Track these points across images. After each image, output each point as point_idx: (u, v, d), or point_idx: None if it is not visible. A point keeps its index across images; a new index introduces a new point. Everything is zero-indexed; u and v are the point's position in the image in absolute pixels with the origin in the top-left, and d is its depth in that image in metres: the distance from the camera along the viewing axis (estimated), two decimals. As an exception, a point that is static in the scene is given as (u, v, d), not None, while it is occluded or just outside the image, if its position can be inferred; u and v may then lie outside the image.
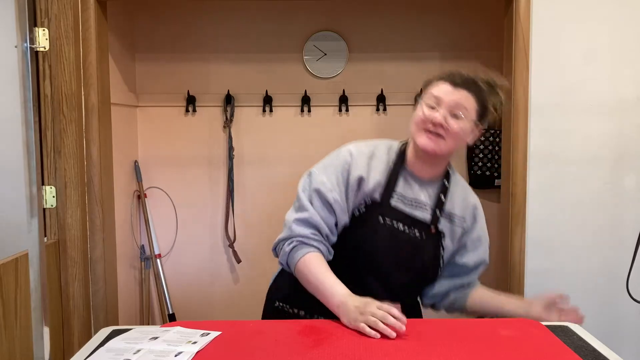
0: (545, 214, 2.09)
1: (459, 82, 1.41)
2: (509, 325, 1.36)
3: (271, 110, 2.81)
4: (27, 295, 1.72)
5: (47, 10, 1.92)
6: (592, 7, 2.03)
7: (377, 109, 2.81)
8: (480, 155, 2.74)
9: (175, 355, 1.14)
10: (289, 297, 1.54)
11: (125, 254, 2.62)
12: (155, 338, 1.23)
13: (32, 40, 1.87)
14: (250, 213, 2.88)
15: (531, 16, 2.03)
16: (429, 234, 1.48)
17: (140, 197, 2.78)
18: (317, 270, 1.39)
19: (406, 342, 1.22)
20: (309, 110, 2.81)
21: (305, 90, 2.79)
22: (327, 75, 2.81)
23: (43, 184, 1.95)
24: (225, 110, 2.81)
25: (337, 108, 2.81)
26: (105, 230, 2.09)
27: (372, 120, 2.80)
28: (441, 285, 1.58)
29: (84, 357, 1.18)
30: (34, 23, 1.89)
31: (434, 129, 1.39)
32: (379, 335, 1.22)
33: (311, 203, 1.45)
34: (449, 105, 1.39)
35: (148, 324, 2.81)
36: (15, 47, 1.75)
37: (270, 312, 1.58)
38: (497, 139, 2.70)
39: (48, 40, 1.91)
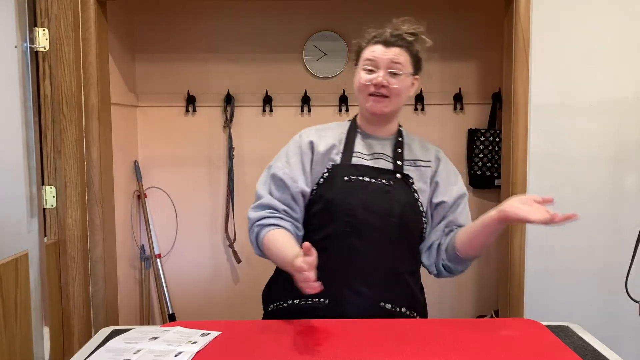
0: (545, 214, 2.09)
1: (389, 40, 1.47)
2: (509, 325, 1.36)
3: (271, 110, 2.81)
4: (27, 295, 1.72)
5: (47, 10, 1.92)
6: (592, 8, 2.03)
7: (377, 109, 2.80)
8: (480, 155, 2.74)
9: (175, 355, 1.14)
10: (281, 295, 1.52)
11: (125, 254, 2.61)
12: (155, 338, 1.23)
13: (32, 40, 1.87)
14: (250, 213, 2.88)
15: (531, 16, 2.03)
16: (396, 180, 1.49)
17: (140, 197, 2.78)
18: (275, 244, 1.41)
19: (406, 342, 1.22)
20: (309, 110, 2.81)
21: (305, 90, 2.79)
22: (327, 75, 2.81)
23: (43, 184, 1.95)
24: (225, 110, 2.81)
25: (337, 108, 2.81)
26: (105, 230, 2.09)
27: (372, 120, 2.80)
28: (431, 237, 1.54)
29: (84, 357, 1.18)
30: (34, 23, 1.89)
31: (378, 91, 1.45)
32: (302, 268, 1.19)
33: (268, 191, 1.50)
34: (386, 65, 1.45)
35: (148, 324, 2.81)
36: (15, 47, 1.75)
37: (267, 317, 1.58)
38: (497, 139, 2.70)
39: (48, 40, 1.91)
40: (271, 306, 1.55)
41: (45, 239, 1.94)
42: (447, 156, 1.60)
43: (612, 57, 2.04)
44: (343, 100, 2.80)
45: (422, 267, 1.58)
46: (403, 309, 1.48)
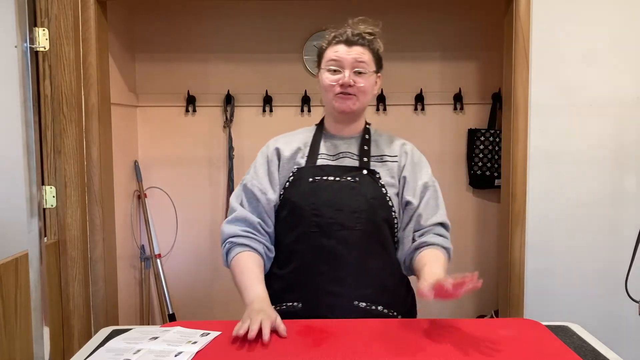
0: (545, 214, 2.09)
1: (351, 39, 1.47)
2: (509, 325, 1.36)
3: (271, 110, 2.81)
4: (27, 295, 1.72)
5: (47, 10, 1.92)
6: (592, 7, 2.03)
7: (377, 109, 2.81)
8: (480, 155, 2.74)
9: (175, 355, 1.14)
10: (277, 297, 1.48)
11: (125, 254, 2.61)
12: (155, 338, 1.23)
13: (32, 40, 1.87)
14: (250, 213, 2.88)
15: (531, 16, 2.03)
16: (362, 176, 1.47)
17: (140, 197, 2.78)
18: (239, 269, 1.42)
19: (406, 342, 1.22)
20: (309, 110, 2.81)
21: (305, 90, 2.79)
22: (327, 75, 2.81)
23: (43, 184, 1.95)
24: (225, 110, 2.81)
25: (337, 108, 2.81)
26: (105, 230, 2.09)
27: (371, 120, 2.78)
28: (404, 245, 1.50)
29: (84, 357, 1.18)
30: (34, 23, 1.89)
31: (345, 90, 1.45)
32: (240, 333, 1.20)
33: (240, 203, 1.51)
34: (350, 65, 1.45)
35: (148, 324, 2.81)
36: (15, 47, 1.75)
37: None
38: (497, 139, 2.70)
39: (48, 40, 1.91)
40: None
41: (45, 239, 1.94)
42: (417, 148, 1.59)
43: (612, 57, 2.04)
44: (343, 100, 2.79)
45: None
46: (380, 307, 1.45)
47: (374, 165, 1.51)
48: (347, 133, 1.55)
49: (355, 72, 1.45)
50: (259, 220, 1.49)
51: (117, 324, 2.20)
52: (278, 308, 1.44)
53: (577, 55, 2.05)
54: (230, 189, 2.81)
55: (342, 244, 1.43)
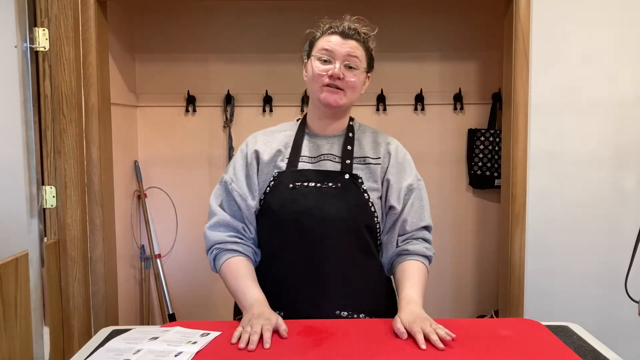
0: (546, 214, 2.09)
1: (347, 32, 1.42)
2: (509, 325, 1.36)
3: (271, 110, 2.81)
4: (27, 295, 1.72)
5: (47, 10, 1.92)
6: (592, 7, 2.03)
7: (377, 109, 2.81)
8: (480, 155, 2.74)
9: (175, 356, 1.14)
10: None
11: (125, 254, 2.61)
12: (155, 338, 1.23)
13: (32, 40, 1.87)
14: (250, 213, 2.88)
15: (531, 16, 2.03)
16: (344, 181, 1.42)
17: (140, 197, 2.78)
18: (232, 275, 1.40)
19: (406, 342, 1.22)
20: (309, 110, 2.81)
21: (305, 90, 2.79)
22: (327, 75, 2.81)
23: (43, 184, 1.95)
24: (225, 110, 2.81)
25: (337, 108, 2.81)
26: (105, 230, 2.09)
27: (371, 120, 2.80)
28: (388, 250, 1.49)
29: (84, 357, 1.18)
30: (34, 23, 1.89)
31: (333, 82, 1.40)
32: (241, 346, 1.18)
33: (220, 205, 1.49)
34: (342, 57, 1.40)
35: (148, 324, 2.81)
36: (15, 47, 1.75)
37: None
38: (497, 139, 2.70)
39: (48, 40, 1.91)
40: (237, 317, 1.52)
41: (45, 239, 1.94)
42: (402, 146, 1.54)
43: (612, 57, 2.04)
44: (343, 100, 2.79)
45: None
46: (362, 315, 1.44)
47: (356, 168, 1.45)
48: (330, 132, 1.49)
49: (346, 66, 1.40)
50: (242, 224, 1.46)
51: (117, 324, 2.20)
52: None
53: (577, 55, 2.05)
54: (230, 189, 2.81)
55: (323, 253, 1.40)
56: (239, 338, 1.21)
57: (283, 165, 1.45)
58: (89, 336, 1.99)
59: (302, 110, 2.81)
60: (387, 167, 1.48)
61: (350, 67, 1.41)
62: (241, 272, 1.40)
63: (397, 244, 1.48)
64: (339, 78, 1.39)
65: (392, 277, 1.52)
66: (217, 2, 2.75)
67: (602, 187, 2.08)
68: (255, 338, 1.19)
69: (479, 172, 2.76)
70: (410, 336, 1.23)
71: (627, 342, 2.11)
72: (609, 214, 2.09)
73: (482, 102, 2.79)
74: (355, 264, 1.44)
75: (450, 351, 1.17)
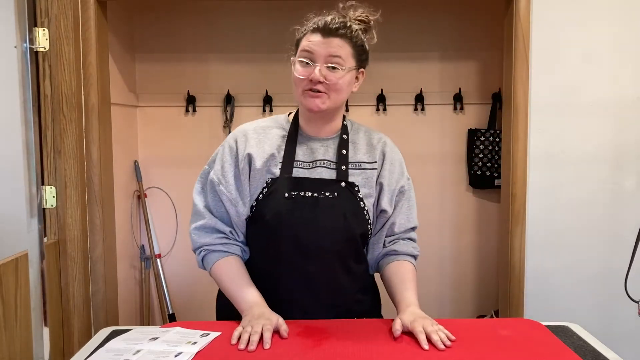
0: (545, 214, 2.09)
1: (329, 29, 1.31)
2: (509, 325, 1.36)
3: (271, 110, 2.81)
4: (27, 295, 1.72)
5: (47, 11, 1.92)
6: (592, 7, 2.03)
7: (377, 109, 2.80)
8: (480, 155, 2.74)
9: (175, 356, 1.14)
10: (232, 312, 1.40)
11: (125, 254, 2.61)
12: (155, 338, 1.23)
13: (32, 40, 1.87)
14: (250, 213, 2.88)
15: (531, 16, 2.03)
16: (341, 189, 1.38)
17: (140, 197, 2.78)
18: (227, 276, 1.39)
19: (406, 342, 1.22)
20: (309, 110, 2.81)
21: (305, 90, 2.79)
22: (327, 75, 2.80)
23: (43, 184, 1.95)
24: (225, 110, 2.81)
25: (337, 108, 2.81)
26: (105, 230, 2.09)
27: (371, 120, 2.80)
28: (374, 250, 1.48)
29: (84, 358, 1.18)
30: (33, 23, 1.89)
31: (314, 87, 1.31)
32: (241, 347, 1.18)
33: (206, 206, 1.42)
34: (324, 59, 1.30)
35: (148, 324, 2.81)
36: (15, 47, 1.75)
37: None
38: (497, 139, 2.70)
39: (48, 41, 1.91)
40: (219, 318, 1.51)
41: (45, 239, 1.94)
42: (394, 144, 1.50)
43: (612, 57, 2.04)
44: (343, 100, 2.79)
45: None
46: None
47: (352, 174, 1.41)
48: (324, 134, 1.43)
49: (328, 67, 1.31)
50: (230, 229, 1.42)
51: (117, 324, 2.20)
52: None
53: (577, 55, 2.05)
54: (230, 189, 2.81)
55: (317, 264, 1.37)
56: (239, 338, 1.21)
57: (276, 171, 1.38)
58: (88, 336, 1.99)
59: (302, 110, 2.81)
60: (381, 170, 1.45)
61: (333, 68, 1.31)
62: (234, 273, 1.39)
63: (384, 244, 1.48)
64: (319, 82, 1.31)
65: (376, 273, 1.53)
66: (217, 2, 2.75)
67: (602, 187, 2.08)
68: (255, 338, 1.19)
69: (479, 172, 2.76)
70: (411, 335, 1.23)
71: (627, 342, 2.11)
72: (609, 214, 2.09)
73: (482, 102, 2.79)
74: (348, 272, 1.43)
75: (450, 351, 1.17)
